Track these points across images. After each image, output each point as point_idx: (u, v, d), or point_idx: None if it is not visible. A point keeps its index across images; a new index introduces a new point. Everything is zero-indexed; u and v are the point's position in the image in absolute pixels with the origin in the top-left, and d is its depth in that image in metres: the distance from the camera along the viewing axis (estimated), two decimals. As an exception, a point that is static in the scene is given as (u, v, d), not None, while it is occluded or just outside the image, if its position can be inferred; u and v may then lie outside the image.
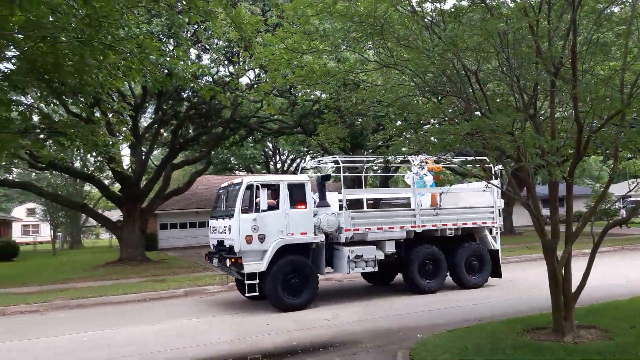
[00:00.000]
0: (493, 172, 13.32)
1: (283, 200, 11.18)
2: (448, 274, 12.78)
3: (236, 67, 21.38)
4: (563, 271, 7.23)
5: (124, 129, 17.85)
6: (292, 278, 10.95)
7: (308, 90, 12.74)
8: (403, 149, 8.43)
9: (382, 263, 12.10)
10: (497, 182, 12.37)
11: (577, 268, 7.60)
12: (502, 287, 13.09)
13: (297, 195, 11.38)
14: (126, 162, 23.77)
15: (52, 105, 13.18)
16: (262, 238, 10.78)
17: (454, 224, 12.74)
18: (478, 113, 7.49)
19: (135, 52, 8.23)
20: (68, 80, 9.60)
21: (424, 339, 7.61)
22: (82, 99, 9.92)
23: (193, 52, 21.34)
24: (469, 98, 7.58)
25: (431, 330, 8.45)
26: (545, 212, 8.08)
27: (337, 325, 9.40)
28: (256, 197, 10.92)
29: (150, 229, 30.19)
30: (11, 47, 9.46)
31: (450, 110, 8.81)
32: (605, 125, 6.76)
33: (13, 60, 10.51)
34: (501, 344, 6.88)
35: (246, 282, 10.68)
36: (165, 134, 28.99)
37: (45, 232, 51.80)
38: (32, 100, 17.40)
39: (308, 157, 56.94)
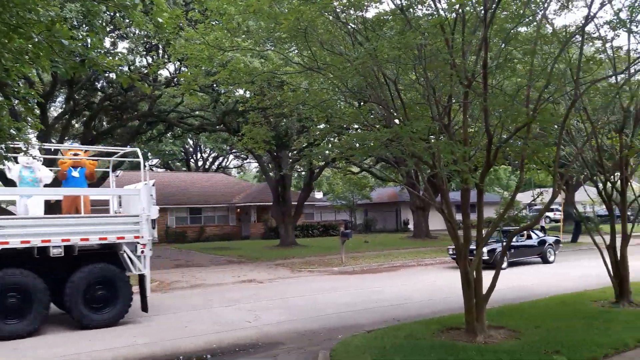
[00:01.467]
0: (412, 177, 13.28)
1: None
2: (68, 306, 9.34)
3: (155, 59, 20.57)
4: (475, 274, 7.60)
5: (29, 118, 16.62)
6: None
7: (231, 88, 12.50)
8: (327, 152, 8.51)
9: None
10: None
11: (488, 271, 8.03)
12: (419, 288, 13.59)
13: None
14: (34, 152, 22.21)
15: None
16: None
17: (64, 240, 9.23)
18: (397, 121, 7.71)
19: (44, 36, 7.66)
20: (-32, 63, 8.75)
21: (345, 340, 7.74)
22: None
23: (109, 40, 20.29)
24: (388, 105, 7.80)
25: (352, 330, 8.61)
26: (458, 217, 8.48)
27: (259, 327, 9.31)
28: None
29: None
30: None
31: (371, 117, 9.00)
32: (513, 137, 7.20)
33: None
34: (418, 344, 7.14)
35: None
36: (77, 126, 27.39)
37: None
38: None
39: (231, 156, 56.28)
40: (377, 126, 8.21)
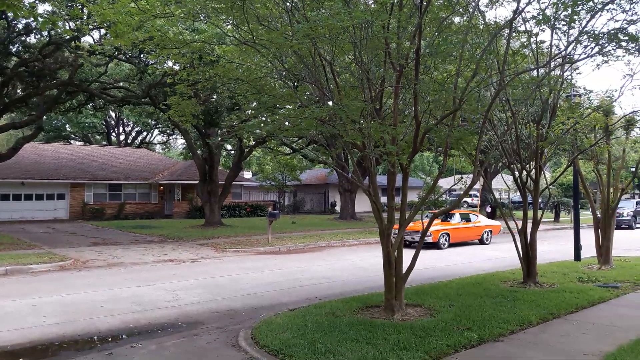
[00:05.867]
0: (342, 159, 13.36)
1: None
2: None
3: (78, 23, 19.25)
4: (395, 254, 7.87)
5: None
6: None
7: (161, 59, 11.93)
8: (257, 131, 8.40)
9: None
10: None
11: (408, 252, 8.35)
12: (343, 268, 13.89)
13: None
14: None
15: None
16: None
17: None
18: (330, 103, 7.76)
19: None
20: None
21: (267, 318, 7.79)
22: None
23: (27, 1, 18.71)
24: (323, 86, 7.82)
25: (275, 309, 8.67)
26: (383, 200, 8.71)
27: (179, 307, 9.13)
28: None
29: (-38, 198, 26.25)
30: None
31: (305, 97, 8.98)
32: (439, 124, 7.48)
33: None
34: (338, 322, 7.32)
35: None
36: (-14, 91, 25.20)
37: None
38: None
39: (156, 132, 54.18)
40: (311, 108, 8.22)
